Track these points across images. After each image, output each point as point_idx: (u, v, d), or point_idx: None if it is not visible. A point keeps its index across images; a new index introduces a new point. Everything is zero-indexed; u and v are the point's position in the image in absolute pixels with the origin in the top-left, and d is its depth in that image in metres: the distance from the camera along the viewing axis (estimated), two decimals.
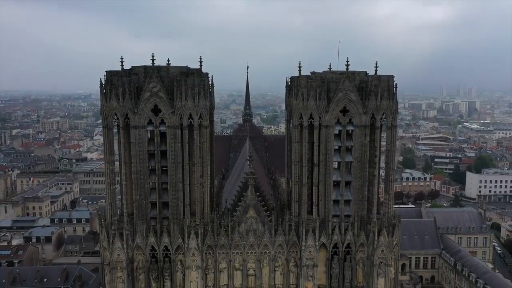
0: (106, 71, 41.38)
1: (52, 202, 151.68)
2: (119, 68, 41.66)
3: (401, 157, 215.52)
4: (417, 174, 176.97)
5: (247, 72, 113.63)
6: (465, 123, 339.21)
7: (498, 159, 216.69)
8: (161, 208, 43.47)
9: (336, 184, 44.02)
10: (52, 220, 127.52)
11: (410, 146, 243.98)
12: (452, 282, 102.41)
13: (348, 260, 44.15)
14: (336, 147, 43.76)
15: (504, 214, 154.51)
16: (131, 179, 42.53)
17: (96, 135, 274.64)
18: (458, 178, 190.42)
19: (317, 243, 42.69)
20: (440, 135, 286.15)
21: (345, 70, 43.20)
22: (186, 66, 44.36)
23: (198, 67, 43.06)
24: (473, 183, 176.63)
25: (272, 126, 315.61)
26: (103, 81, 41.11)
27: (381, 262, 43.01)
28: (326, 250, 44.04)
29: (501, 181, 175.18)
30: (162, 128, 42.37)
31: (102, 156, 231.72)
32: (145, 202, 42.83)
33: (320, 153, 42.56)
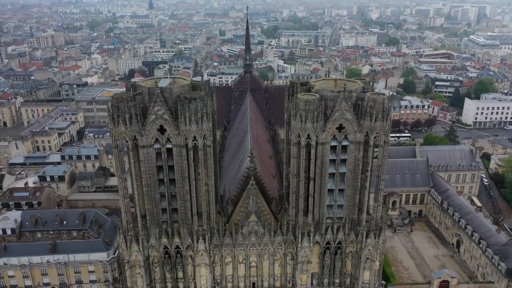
0: (112, 97, 42.67)
1: (59, 135, 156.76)
2: None
3: (402, 79, 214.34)
4: (415, 102, 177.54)
5: (247, 13, 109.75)
6: (471, 36, 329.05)
7: (500, 80, 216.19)
8: (171, 213, 47.93)
9: (330, 190, 47.78)
10: (63, 157, 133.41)
11: (413, 65, 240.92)
12: (438, 218, 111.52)
13: (338, 254, 49.92)
14: (331, 158, 46.59)
15: (497, 142, 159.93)
16: (142, 191, 46.27)
17: (93, 53, 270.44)
18: (457, 102, 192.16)
19: (311, 245, 48.00)
20: (444, 51, 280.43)
21: (343, 79, 44.37)
22: (188, 84, 45.36)
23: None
24: (470, 110, 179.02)
25: (273, 40, 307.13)
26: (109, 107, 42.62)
27: (368, 258, 48.82)
28: (319, 246, 49.57)
29: (497, 108, 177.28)
30: (168, 145, 44.87)
31: (102, 80, 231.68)
32: (157, 210, 47.19)
33: (316, 167, 45.63)
